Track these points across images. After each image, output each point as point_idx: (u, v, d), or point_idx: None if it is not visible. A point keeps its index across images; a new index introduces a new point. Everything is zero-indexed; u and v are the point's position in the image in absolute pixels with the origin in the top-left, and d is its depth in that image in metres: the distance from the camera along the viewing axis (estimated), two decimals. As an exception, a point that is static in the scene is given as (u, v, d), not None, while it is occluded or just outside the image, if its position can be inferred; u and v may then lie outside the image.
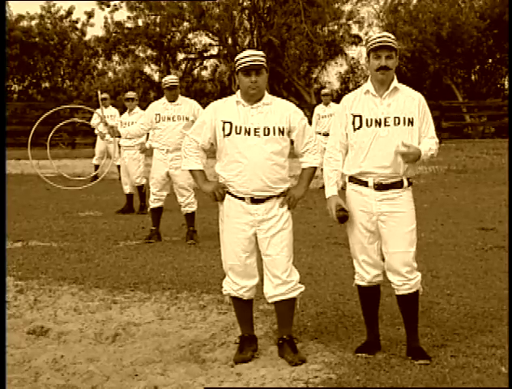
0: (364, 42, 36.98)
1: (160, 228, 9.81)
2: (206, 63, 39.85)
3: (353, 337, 5.45)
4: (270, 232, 5.04)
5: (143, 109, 10.80)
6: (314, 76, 39.28)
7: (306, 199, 12.02)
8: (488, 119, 33.14)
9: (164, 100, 9.58)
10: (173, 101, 9.51)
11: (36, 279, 7.48)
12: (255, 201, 5.02)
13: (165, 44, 38.19)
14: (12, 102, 34.70)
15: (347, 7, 37.50)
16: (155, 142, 9.66)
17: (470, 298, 6.45)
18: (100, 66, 39.50)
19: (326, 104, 15.41)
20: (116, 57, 39.16)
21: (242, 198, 5.04)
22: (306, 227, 10.38)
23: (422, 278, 5.17)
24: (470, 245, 8.94)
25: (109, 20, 37.81)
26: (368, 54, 4.98)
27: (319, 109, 15.48)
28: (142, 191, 12.45)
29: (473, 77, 38.41)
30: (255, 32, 36.36)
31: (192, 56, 39.37)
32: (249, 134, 4.98)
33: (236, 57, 5.05)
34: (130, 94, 12.73)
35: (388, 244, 4.99)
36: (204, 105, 8.01)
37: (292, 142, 5.12)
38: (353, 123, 4.99)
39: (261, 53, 5.07)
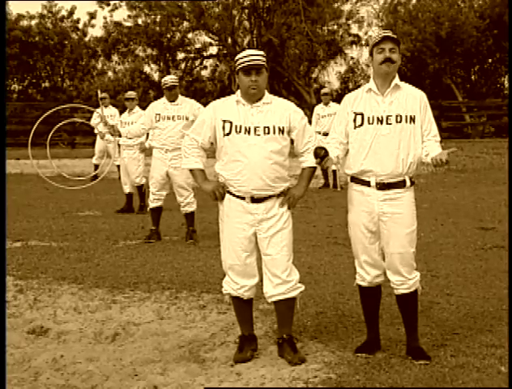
0: (363, 42, 37.03)
1: (159, 228, 9.80)
2: (206, 63, 39.83)
3: (353, 337, 5.45)
4: (270, 231, 5.04)
5: (143, 108, 10.80)
6: (314, 76, 39.26)
7: (306, 199, 12.02)
8: (487, 119, 33.08)
9: (164, 99, 9.57)
10: (173, 101, 9.51)
11: (36, 279, 7.48)
12: (255, 200, 5.02)
13: (165, 43, 38.14)
14: (12, 102, 34.64)
15: (346, 7, 37.50)
16: (155, 141, 9.66)
17: (470, 298, 6.45)
18: (99, 65, 39.50)
19: (326, 103, 15.40)
20: (115, 57, 39.15)
21: (242, 198, 5.03)
22: (306, 226, 10.38)
23: (422, 278, 5.18)
24: (469, 244, 8.94)
25: (109, 20, 37.85)
26: (371, 53, 4.98)
27: (319, 109, 15.47)
28: (142, 191, 12.45)
29: (473, 77, 38.36)
30: (255, 32, 36.31)
31: (192, 55, 39.34)
32: (249, 133, 4.98)
33: (237, 57, 5.05)
34: (130, 94, 12.73)
35: (389, 244, 5.00)
36: (204, 105, 8.03)
37: (292, 141, 5.12)
38: (354, 121, 4.99)
39: (261, 52, 5.07)
